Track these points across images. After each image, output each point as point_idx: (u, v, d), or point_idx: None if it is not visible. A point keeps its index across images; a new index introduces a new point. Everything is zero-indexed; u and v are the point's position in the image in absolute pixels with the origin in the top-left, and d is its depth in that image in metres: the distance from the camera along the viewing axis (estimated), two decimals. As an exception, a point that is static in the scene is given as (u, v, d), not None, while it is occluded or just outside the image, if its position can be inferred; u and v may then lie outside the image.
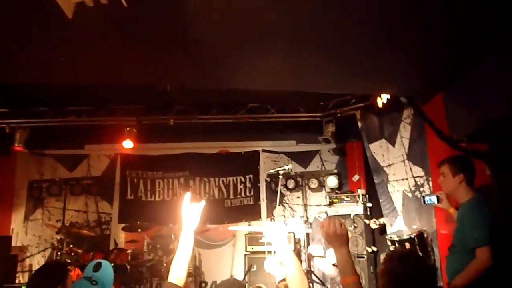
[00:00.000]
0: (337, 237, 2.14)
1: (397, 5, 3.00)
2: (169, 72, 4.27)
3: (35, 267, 7.32)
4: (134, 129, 6.65)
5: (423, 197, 4.02)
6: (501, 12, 2.96)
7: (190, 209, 2.44)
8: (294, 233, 6.99)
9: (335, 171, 7.76)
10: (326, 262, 5.11)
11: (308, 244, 7.37)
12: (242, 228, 6.81)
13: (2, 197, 7.42)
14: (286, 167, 5.21)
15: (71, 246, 6.46)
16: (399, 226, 5.62)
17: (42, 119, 6.52)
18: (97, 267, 2.56)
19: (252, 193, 7.88)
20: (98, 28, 2.84)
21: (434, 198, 3.84)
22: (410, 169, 5.27)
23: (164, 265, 6.58)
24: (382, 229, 6.37)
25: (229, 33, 3.48)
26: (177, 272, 2.42)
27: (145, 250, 6.95)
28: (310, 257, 7.14)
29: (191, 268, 6.65)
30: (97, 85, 5.47)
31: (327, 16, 3.25)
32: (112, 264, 5.95)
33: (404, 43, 3.59)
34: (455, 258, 3.33)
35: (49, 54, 3.37)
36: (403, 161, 5.43)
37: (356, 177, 7.37)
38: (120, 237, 7.51)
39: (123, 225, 7.32)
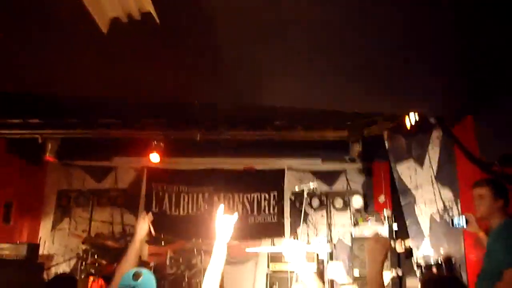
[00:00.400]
0: (376, 249, 2.10)
1: (431, 25, 2.99)
2: (198, 88, 4.34)
3: (60, 276, 7.43)
4: (161, 143, 6.74)
5: (452, 219, 3.91)
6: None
7: (224, 221, 2.49)
8: (317, 254, 6.89)
9: (361, 191, 7.66)
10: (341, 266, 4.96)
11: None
12: (260, 249, 6.75)
13: (32, 206, 7.61)
14: (311, 185, 5.17)
15: (96, 256, 6.53)
16: (425, 249, 5.48)
17: (73, 130, 6.68)
18: (137, 275, 2.50)
19: (276, 210, 7.85)
20: (130, 43, 2.92)
21: (463, 220, 3.73)
22: (439, 191, 5.16)
23: (186, 279, 6.58)
24: (408, 252, 6.22)
25: (260, 51, 3.53)
26: (210, 284, 2.44)
27: (167, 264, 6.96)
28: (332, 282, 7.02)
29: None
30: (127, 99, 5.60)
31: (359, 36, 3.27)
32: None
33: (436, 64, 3.56)
34: (484, 284, 3.21)
35: (83, 66, 3.47)
36: (432, 183, 5.31)
37: (382, 198, 7.25)
38: (143, 250, 7.56)
39: (146, 238, 7.35)
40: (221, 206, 2.64)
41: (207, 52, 3.45)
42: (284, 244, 2.52)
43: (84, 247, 6.63)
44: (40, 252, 7.42)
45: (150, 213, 3.07)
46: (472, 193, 3.45)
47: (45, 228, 7.81)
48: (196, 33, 2.95)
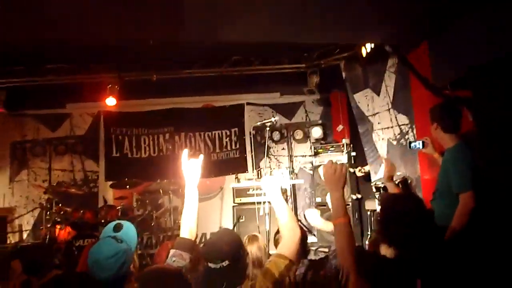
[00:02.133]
0: (335, 179, 2.21)
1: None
2: (151, 27, 4.17)
3: (25, 227, 7.36)
4: (116, 86, 6.53)
5: (409, 142, 4.11)
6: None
7: (189, 165, 2.52)
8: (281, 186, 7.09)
9: (320, 121, 7.83)
10: (316, 213, 5.22)
11: (295, 195, 7.57)
12: (241, 185, 6.86)
13: (-16, 160, 7.34)
14: (272, 119, 5.22)
15: (60, 205, 6.47)
16: (383, 173, 5.76)
17: (19, 79, 6.35)
18: (118, 227, 2.47)
19: (238, 146, 7.93)
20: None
21: (419, 144, 3.93)
22: (395, 117, 5.36)
23: (154, 219, 6.69)
24: (367, 177, 6.52)
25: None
26: (188, 226, 2.53)
27: (134, 206, 7.03)
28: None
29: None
30: (75, 43, 5.32)
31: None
32: (103, 221, 6.12)
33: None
34: (439, 202, 3.46)
35: (27, 7, 3.25)
36: (388, 109, 5.50)
37: (340, 127, 7.45)
38: (108, 194, 7.56)
39: (110, 182, 7.34)
40: (185, 151, 2.64)
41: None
42: (263, 180, 2.62)
43: (46, 196, 6.54)
44: (0, 205, 7.30)
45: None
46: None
47: (2, 181, 7.59)
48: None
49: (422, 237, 2.19)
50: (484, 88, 3.37)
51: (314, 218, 3.68)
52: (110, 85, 6.51)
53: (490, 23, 3.26)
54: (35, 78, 6.40)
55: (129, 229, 2.50)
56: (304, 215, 7.10)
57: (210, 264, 2.31)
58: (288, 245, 2.40)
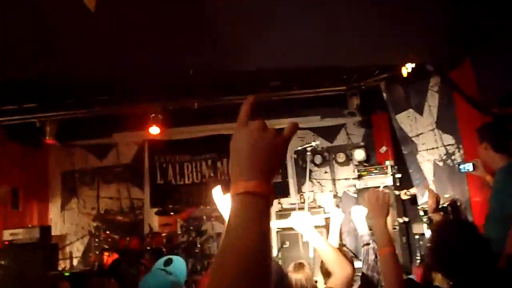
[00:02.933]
0: (378, 206, 2.16)
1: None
2: (190, 56, 4.29)
3: (75, 254, 7.60)
4: (159, 115, 6.71)
5: (458, 165, 3.95)
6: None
7: (224, 200, 2.51)
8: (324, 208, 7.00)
9: (362, 144, 7.70)
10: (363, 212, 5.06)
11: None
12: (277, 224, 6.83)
13: (38, 190, 7.68)
14: (313, 143, 5.18)
15: (108, 232, 6.65)
16: (427, 204, 5.57)
17: (69, 111, 6.65)
18: (168, 262, 2.55)
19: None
20: (119, 18, 2.87)
21: (469, 166, 3.77)
22: (440, 137, 5.19)
23: (198, 245, 6.73)
24: (413, 199, 6.33)
25: (250, 11, 3.46)
26: None
27: (179, 232, 7.10)
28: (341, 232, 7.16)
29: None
30: (121, 74, 5.54)
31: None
32: (148, 248, 6.24)
33: (429, 10, 3.50)
34: (493, 226, 3.29)
35: (74, 47, 3.42)
36: (433, 129, 5.35)
37: (383, 149, 7.30)
38: (153, 221, 7.69)
39: (155, 209, 7.48)
40: (218, 188, 2.60)
41: (198, 20, 3.40)
42: (292, 218, 2.59)
43: (95, 224, 6.75)
44: (53, 233, 7.57)
45: None
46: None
47: (54, 210, 7.91)
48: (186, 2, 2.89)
49: (478, 266, 2.08)
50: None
51: (359, 217, 3.55)
52: (153, 114, 6.70)
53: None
54: (84, 110, 6.68)
55: (179, 263, 2.55)
56: (350, 211, 6.92)
57: None
58: (340, 281, 2.37)
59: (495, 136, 3.38)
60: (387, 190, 6.59)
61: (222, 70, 5.39)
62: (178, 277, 2.43)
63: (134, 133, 7.73)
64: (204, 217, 7.07)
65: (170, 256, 2.57)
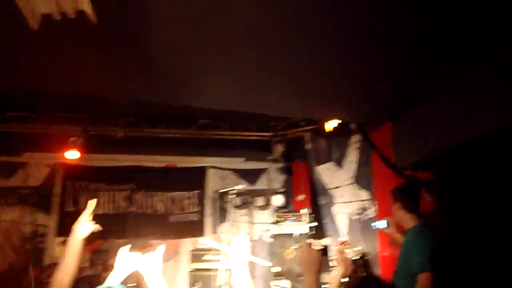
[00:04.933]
0: (310, 263, 2.20)
1: (351, 35, 3.15)
2: (122, 83, 4.20)
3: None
4: (80, 139, 6.40)
5: (374, 222, 4.20)
6: (451, 55, 3.20)
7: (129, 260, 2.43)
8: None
9: (281, 190, 7.86)
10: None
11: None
12: (209, 243, 6.63)
13: None
14: (238, 187, 5.24)
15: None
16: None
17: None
18: None
19: (198, 209, 7.81)
20: (58, 37, 2.76)
21: (383, 224, 4.02)
22: (357, 192, 5.47)
23: (101, 281, 6.33)
24: (324, 250, 6.50)
25: (184, 50, 3.50)
26: None
27: (86, 265, 6.67)
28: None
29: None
30: (43, 92, 5.25)
31: (279, 41, 3.35)
32: (47, 281, 5.76)
33: (356, 73, 3.76)
34: (401, 283, 3.49)
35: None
36: (351, 184, 5.62)
37: (301, 197, 7.51)
38: (55, 251, 7.14)
39: (60, 238, 6.97)
40: (125, 248, 2.55)
41: (137, 51, 3.36)
42: (231, 248, 2.58)
43: (-11, 249, 6.12)
44: None
45: (95, 200, 2.80)
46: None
47: None
48: (125, 28, 2.86)
49: None
50: (445, 171, 3.53)
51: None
52: (74, 138, 6.37)
53: (453, 107, 3.48)
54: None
55: None
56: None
57: None
58: None
59: (407, 198, 3.65)
60: (319, 246, 6.68)
61: (153, 102, 5.32)
62: None
63: (48, 154, 7.25)
64: (109, 251, 6.74)
65: (110, 286, 2.44)
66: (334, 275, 2.95)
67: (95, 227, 2.75)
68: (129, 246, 2.57)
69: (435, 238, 3.41)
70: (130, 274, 2.26)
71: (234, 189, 5.18)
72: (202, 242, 6.29)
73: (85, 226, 2.68)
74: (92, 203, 2.81)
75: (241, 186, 5.43)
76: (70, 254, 2.55)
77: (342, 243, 3.75)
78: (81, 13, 2.19)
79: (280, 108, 5.04)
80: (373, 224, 4.19)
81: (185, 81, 4.16)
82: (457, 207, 3.32)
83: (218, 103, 4.81)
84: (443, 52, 3.20)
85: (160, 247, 2.61)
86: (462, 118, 3.33)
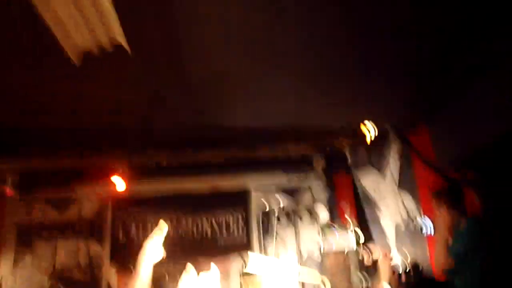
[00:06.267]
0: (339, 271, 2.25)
1: (381, 37, 3.18)
2: (166, 111, 4.39)
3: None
4: (125, 169, 6.65)
5: (421, 228, 4.12)
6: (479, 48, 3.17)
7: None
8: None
9: (326, 205, 7.80)
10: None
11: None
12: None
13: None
14: (281, 204, 5.27)
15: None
16: (393, 259, 5.65)
17: (32, 162, 6.49)
18: None
19: (244, 231, 7.88)
20: (100, 72, 2.96)
21: (430, 228, 3.93)
22: (402, 201, 5.37)
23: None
24: (375, 265, 6.37)
25: (223, 73, 3.64)
26: None
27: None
28: None
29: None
30: (87, 127, 5.51)
31: (315, 55, 3.43)
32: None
33: (388, 75, 3.78)
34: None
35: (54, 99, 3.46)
36: (395, 193, 5.53)
37: (347, 212, 7.42)
38: (112, 279, 7.38)
39: (115, 268, 7.21)
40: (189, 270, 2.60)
41: (175, 76, 3.53)
42: (251, 261, 2.61)
43: (50, 282, 6.41)
44: (3, 291, 7.12)
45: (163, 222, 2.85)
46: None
47: (5, 265, 7.46)
48: (165, 56, 3.02)
49: None
50: (489, 167, 3.44)
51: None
52: (119, 169, 6.63)
53: (490, 99, 3.41)
54: (46, 162, 6.53)
55: None
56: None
57: None
58: None
59: (451, 200, 3.57)
60: (369, 262, 6.56)
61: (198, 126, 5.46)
62: None
63: (97, 187, 7.56)
64: (167, 276, 6.86)
65: None
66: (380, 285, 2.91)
67: (164, 253, 2.79)
68: (192, 267, 2.63)
69: (481, 234, 3.30)
70: None
71: (278, 206, 5.20)
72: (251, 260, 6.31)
73: (158, 249, 2.70)
74: (164, 227, 2.82)
75: (284, 204, 5.45)
76: (144, 278, 2.59)
77: (385, 254, 3.71)
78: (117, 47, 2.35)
79: (319, 117, 5.08)
80: (423, 230, 4.10)
81: (228, 102, 4.30)
82: (503, 205, 3.22)
83: (257, 120, 4.90)
84: (476, 40, 3.16)
85: (213, 265, 2.68)
86: (497, 111, 3.25)
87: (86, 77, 3.07)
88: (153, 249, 2.70)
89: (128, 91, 3.70)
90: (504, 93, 3.29)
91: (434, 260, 3.36)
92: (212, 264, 2.69)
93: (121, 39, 2.23)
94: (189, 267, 2.60)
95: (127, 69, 3.09)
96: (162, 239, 2.76)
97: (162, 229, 2.81)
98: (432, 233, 3.97)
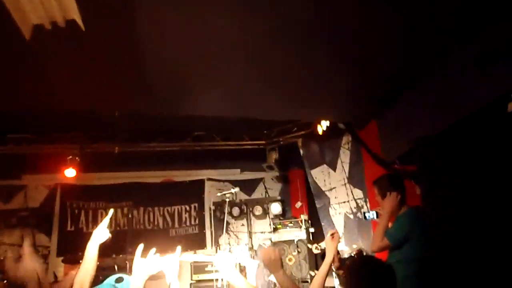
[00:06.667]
0: (272, 262, 2.42)
1: (333, 34, 3.31)
2: (118, 98, 4.34)
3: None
4: (76, 158, 6.51)
5: (364, 213, 4.30)
6: (426, 45, 3.36)
7: (146, 262, 2.57)
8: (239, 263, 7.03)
9: (279, 198, 7.96)
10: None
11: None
12: (193, 257, 6.71)
13: None
14: (232, 191, 5.35)
15: (5, 281, 6.09)
16: (340, 247, 5.86)
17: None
18: (119, 280, 2.64)
19: (197, 221, 7.89)
20: (52, 51, 2.90)
21: (373, 214, 4.11)
22: (351, 191, 5.59)
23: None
24: (324, 254, 6.56)
25: (180, 62, 3.66)
26: None
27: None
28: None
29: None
30: (40, 112, 5.36)
31: (273, 49, 3.52)
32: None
33: (339, 72, 3.92)
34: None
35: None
36: (344, 184, 5.74)
37: (298, 204, 7.61)
38: (59, 270, 7.19)
39: (62, 258, 7.02)
40: (140, 246, 2.67)
41: (130, 62, 3.51)
42: (216, 256, 2.70)
43: (-8, 272, 6.16)
44: None
45: (113, 210, 3.01)
46: None
47: None
48: (119, 41, 3.01)
49: None
50: (428, 160, 3.65)
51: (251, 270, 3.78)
52: (70, 157, 6.48)
53: (430, 98, 3.63)
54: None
55: (128, 282, 2.59)
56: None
57: None
58: None
59: (391, 187, 3.75)
60: (318, 250, 6.70)
61: (146, 114, 5.44)
62: None
63: (46, 175, 7.35)
64: (116, 267, 6.76)
65: (121, 275, 2.64)
66: (323, 263, 3.04)
67: (109, 235, 2.91)
68: (153, 249, 2.66)
69: (421, 222, 3.48)
70: None
71: (230, 192, 5.28)
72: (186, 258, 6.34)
73: (103, 232, 2.84)
74: (111, 212, 3.00)
75: (236, 189, 5.52)
76: (89, 258, 2.70)
77: (332, 234, 3.82)
78: (71, 23, 2.33)
79: (272, 112, 5.20)
80: (366, 215, 4.30)
81: (181, 91, 4.31)
82: (440, 195, 3.43)
83: (214, 110, 4.95)
84: (421, 43, 3.35)
85: (178, 248, 2.74)
86: (439, 107, 3.47)
87: (39, 57, 3.00)
88: (99, 231, 2.77)
89: (82, 75, 3.63)
90: (445, 92, 3.51)
91: (371, 240, 3.53)
92: (177, 247, 2.74)
93: (75, 16, 2.21)
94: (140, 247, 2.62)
95: (83, 50, 3.05)
96: (108, 221, 2.83)
97: (108, 215, 2.91)
98: (375, 218, 4.15)
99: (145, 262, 2.61)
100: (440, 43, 3.37)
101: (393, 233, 3.43)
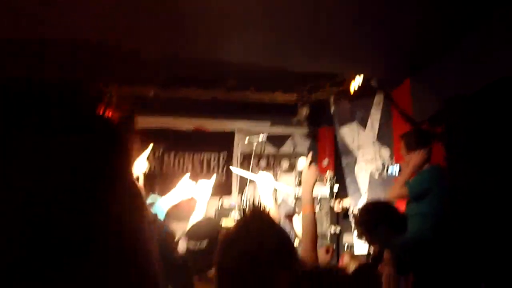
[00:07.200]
0: (311, 174, 2.46)
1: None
2: (161, 39, 4.42)
3: None
4: (113, 98, 6.68)
5: (387, 168, 4.32)
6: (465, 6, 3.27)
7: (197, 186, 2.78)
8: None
9: (306, 154, 8.01)
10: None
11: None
12: (238, 171, 6.80)
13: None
14: (260, 137, 5.43)
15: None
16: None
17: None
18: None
19: (224, 170, 8.08)
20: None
21: (397, 167, 4.14)
22: (379, 150, 5.59)
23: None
24: (345, 212, 6.65)
25: (220, 6, 3.68)
26: None
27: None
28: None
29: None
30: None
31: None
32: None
33: (377, 25, 3.86)
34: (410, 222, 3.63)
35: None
36: (373, 142, 5.73)
37: (325, 162, 7.65)
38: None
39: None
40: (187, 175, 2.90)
41: (165, 8, 3.56)
42: (259, 174, 2.86)
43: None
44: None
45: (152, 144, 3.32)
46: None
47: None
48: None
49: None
50: (456, 122, 3.62)
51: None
52: (108, 95, 6.66)
53: (467, 59, 3.55)
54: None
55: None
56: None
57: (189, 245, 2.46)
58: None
59: (418, 144, 3.75)
60: (339, 209, 6.78)
61: (185, 59, 5.48)
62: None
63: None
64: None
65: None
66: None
67: (147, 166, 3.22)
68: (188, 174, 2.95)
69: (441, 181, 3.50)
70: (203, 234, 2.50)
71: (259, 141, 5.36)
72: (234, 170, 6.50)
73: (142, 163, 3.13)
74: (150, 146, 3.30)
75: (264, 136, 5.61)
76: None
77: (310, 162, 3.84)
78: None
79: (307, 64, 5.17)
80: (389, 168, 4.33)
81: (216, 35, 4.34)
82: (463, 159, 3.42)
83: (248, 56, 4.96)
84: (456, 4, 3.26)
85: (213, 176, 3.02)
86: (474, 69, 3.39)
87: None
88: (139, 162, 3.03)
89: (118, 20, 3.72)
90: (479, 54, 3.42)
91: (390, 189, 3.60)
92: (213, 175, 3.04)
93: None
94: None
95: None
96: (148, 153, 3.13)
97: (148, 148, 3.22)
98: (398, 171, 4.18)
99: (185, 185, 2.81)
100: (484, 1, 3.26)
101: (413, 185, 3.48)
